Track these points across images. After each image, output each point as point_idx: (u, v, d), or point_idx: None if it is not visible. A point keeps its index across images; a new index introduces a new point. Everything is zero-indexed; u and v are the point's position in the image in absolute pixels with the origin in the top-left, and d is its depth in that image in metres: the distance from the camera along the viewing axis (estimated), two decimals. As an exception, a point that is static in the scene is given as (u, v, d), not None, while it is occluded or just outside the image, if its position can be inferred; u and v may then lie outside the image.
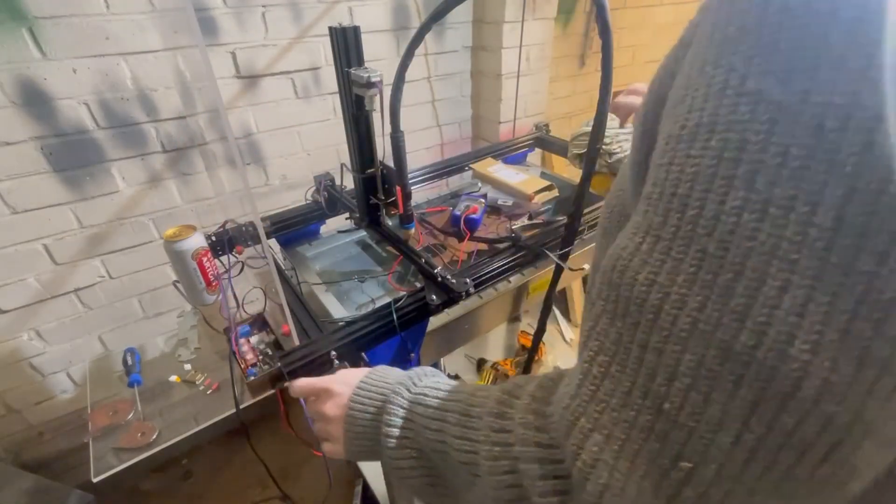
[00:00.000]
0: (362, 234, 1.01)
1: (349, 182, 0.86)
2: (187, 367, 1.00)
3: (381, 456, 0.42)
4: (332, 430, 0.48)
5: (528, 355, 0.95)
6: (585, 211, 0.87)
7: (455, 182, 1.27)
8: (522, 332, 1.74)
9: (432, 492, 0.40)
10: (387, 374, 0.47)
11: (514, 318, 1.81)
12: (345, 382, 0.48)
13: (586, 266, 0.92)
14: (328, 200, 0.95)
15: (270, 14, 1.14)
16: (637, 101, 1.06)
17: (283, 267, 0.91)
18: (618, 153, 0.90)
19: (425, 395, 0.41)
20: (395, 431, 0.41)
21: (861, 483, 0.22)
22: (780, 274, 0.19)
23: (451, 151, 1.66)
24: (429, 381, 0.43)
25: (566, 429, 0.27)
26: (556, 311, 2.00)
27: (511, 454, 0.30)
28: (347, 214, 0.93)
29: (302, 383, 0.52)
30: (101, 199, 1.09)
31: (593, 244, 0.91)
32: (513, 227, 0.85)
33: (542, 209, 1.06)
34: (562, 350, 1.82)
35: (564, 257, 0.77)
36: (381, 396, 0.44)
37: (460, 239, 0.93)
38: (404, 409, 0.41)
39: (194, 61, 1.08)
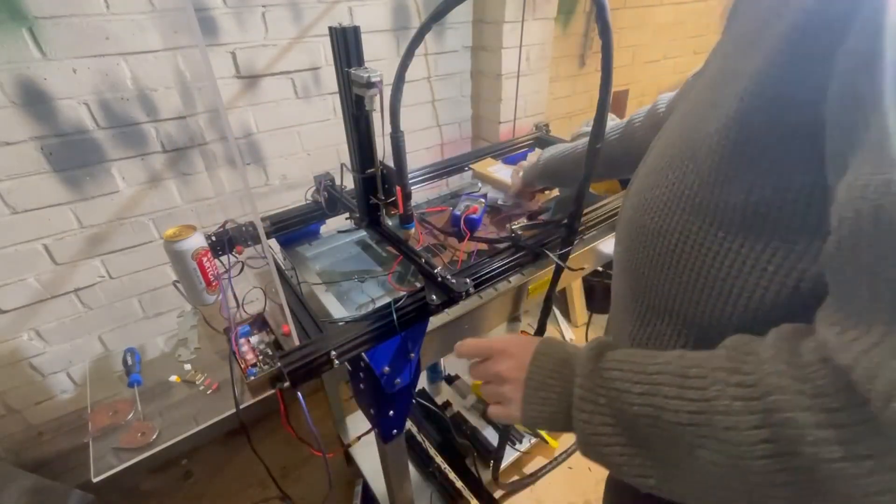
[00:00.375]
0: (362, 234, 1.01)
1: (349, 182, 0.86)
2: (187, 367, 1.00)
3: (571, 422, 0.41)
4: (506, 392, 0.46)
5: (528, 355, 0.95)
6: (585, 211, 0.87)
7: (455, 182, 1.27)
8: (522, 332, 1.74)
9: (633, 463, 0.37)
10: (565, 343, 0.46)
11: (514, 318, 1.81)
12: (521, 345, 0.47)
13: (586, 266, 0.92)
14: (328, 200, 0.95)
15: (270, 14, 1.14)
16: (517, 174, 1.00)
17: (283, 267, 0.90)
18: None
19: (618, 359, 0.39)
20: (588, 395, 0.39)
21: None
22: None
23: (451, 151, 1.66)
24: (617, 348, 0.42)
25: (867, 374, 0.25)
26: (556, 311, 2.01)
27: (760, 407, 0.29)
28: (347, 214, 0.93)
29: (471, 343, 0.50)
30: (101, 199, 1.09)
31: (593, 244, 0.91)
32: (513, 227, 0.85)
33: (542, 209, 1.06)
34: (562, 350, 1.81)
35: (564, 257, 0.77)
36: (567, 361, 0.43)
37: (460, 239, 0.93)
38: (596, 373, 0.39)
39: (194, 61, 1.08)
